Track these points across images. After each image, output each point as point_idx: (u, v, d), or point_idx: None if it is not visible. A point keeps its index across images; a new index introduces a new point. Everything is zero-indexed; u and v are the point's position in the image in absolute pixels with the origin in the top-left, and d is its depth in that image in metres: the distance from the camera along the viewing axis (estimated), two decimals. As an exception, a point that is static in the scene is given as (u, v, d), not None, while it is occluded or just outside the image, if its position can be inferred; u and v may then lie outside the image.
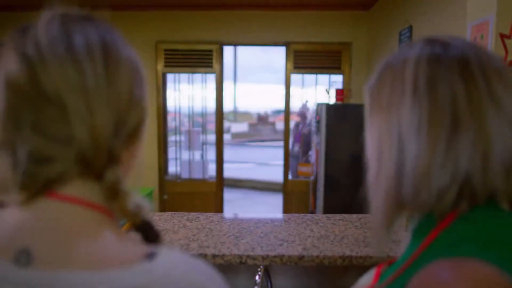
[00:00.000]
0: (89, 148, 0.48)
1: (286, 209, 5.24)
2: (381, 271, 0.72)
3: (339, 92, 4.21)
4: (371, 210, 0.65)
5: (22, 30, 0.51)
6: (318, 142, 3.89)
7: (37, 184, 0.48)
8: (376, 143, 0.63)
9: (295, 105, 5.38)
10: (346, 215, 2.00)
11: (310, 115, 6.16)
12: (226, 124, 5.43)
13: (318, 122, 3.93)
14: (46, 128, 0.47)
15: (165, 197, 5.10)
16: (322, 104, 3.81)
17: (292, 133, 6.32)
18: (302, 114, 6.29)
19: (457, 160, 0.55)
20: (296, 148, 6.41)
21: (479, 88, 0.56)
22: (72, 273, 0.44)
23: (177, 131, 5.37)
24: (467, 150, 0.55)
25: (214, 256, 1.48)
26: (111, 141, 0.50)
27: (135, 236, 0.52)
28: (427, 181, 0.56)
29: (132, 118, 0.53)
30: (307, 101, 6.05)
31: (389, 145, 0.60)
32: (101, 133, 0.49)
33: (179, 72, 5.10)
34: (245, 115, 24.02)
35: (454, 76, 0.56)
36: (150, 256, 0.47)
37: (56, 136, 0.47)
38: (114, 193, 0.50)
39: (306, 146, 6.25)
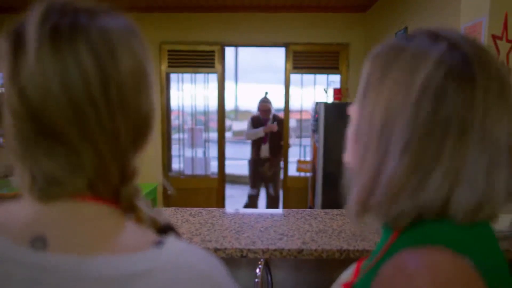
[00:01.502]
0: (99, 176, 0.48)
1: (285, 205, 5.25)
2: (361, 266, 0.73)
3: (337, 92, 4.21)
4: (349, 193, 0.62)
5: (14, 47, 0.46)
6: (317, 140, 3.89)
7: (52, 199, 0.48)
8: (364, 133, 0.59)
9: (294, 104, 5.27)
10: (343, 210, 2.00)
11: (273, 109, 5.14)
12: (227, 122, 5.33)
13: (316, 120, 3.92)
14: (56, 156, 0.47)
15: (169, 192, 5.10)
16: (320, 103, 3.80)
17: (248, 131, 5.26)
18: (265, 108, 5.07)
19: (425, 191, 0.53)
20: (264, 149, 5.11)
21: (474, 123, 0.51)
22: (83, 256, 0.45)
23: (180, 129, 5.37)
24: (437, 185, 0.52)
25: (216, 249, 1.48)
26: (123, 162, 0.50)
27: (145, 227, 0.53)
28: (392, 202, 0.55)
29: (143, 134, 0.52)
30: (267, 93, 5.12)
31: (375, 148, 0.57)
32: (110, 161, 0.48)
33: (182, 72, 5.10)
34: (246, 113, 23.95)
35: (458, 101, 0.51)
36: (158, 244, 0.48)
37: (65, 165, 0.47)
38: (130, 207, 0.51)
39: (277, 146, 5.13)
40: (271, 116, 5.06)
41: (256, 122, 5.14)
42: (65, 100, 0.45)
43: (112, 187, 0.50)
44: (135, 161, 0.52)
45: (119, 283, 0.44)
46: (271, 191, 5.19)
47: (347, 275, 0.74)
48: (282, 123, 5.11)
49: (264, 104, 5.08)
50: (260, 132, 5.00)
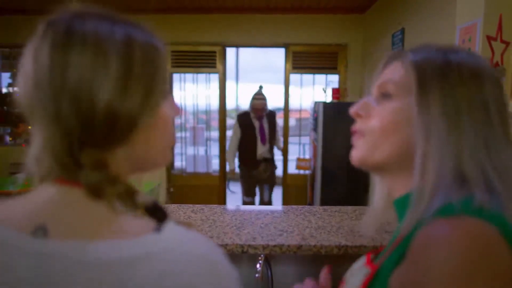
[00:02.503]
0: (53, 160, 0.50)
1: (285, 202, 5.25)
2: (371, 257, 0.72)
3: (335, 91, 4.21)
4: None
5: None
6: (316, 138, 3.89)
7: (40, 181, 0.52)
8: (433, 125, 0.59)
9: (294, 103, 5.24)
10: (342, 207, 2.01)
11: (267, 105, 4.44)
12: (228, 121, 5.26)
13: (315, 119, 3.92)
14: (33, 138, 0.52)
15: (172, 190, 5.11)
16: (319, 102, 3.81)
17: (234, 131, 4.51)
18: (261, 107, 4.34)
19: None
20: (264, 150, 4.41)
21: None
22: (84, 242, 0.46)
23: (182, 127, 5.37)
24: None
25: (218, 245, 1.48)
26: (72, 151, 0.49)
27: (143, 214, 0.52)
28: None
29: (103, 129, 0.50)
30: (261, 87, 4.43)
31: (441, 145, 0.58)
32: (52, 149, 0.49)
33: (184, 72, 5.10)
34: (247, 112, 23.88)
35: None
36: (157, 229, 0.49)
37: (36, 147, 0.51)
38: (96, 194, 0.50)
39: (273, 145, 4.57)
40: (265, 113, 4.46)
41: (243, 120, 4.47)
42: (23, 89, 0.50)
43: (70, 172, 0.50)
44: (103, 154, 0.51)
45: (120, 266, 0.45)
46: (266, 195, 4.59)
47: (358, 279, 0.70)
48: (274, 117, 4.59)
49: (260, 102, 4.35)
50: (231, 164, 4.55)
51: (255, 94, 4.42)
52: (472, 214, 0.52)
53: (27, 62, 0.50)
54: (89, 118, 0.48)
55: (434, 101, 0.59)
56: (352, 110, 0.70)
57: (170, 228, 0.50)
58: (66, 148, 0.49)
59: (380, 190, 0.76)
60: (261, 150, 4.42)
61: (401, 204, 0.65)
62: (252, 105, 4.40)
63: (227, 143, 4.87)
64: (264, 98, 4.40)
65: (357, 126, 0.70)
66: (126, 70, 0.50)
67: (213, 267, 0.49)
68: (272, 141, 4.54)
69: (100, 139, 0.50)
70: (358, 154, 0.69)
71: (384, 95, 0.66)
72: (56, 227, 0.47)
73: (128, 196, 0.51)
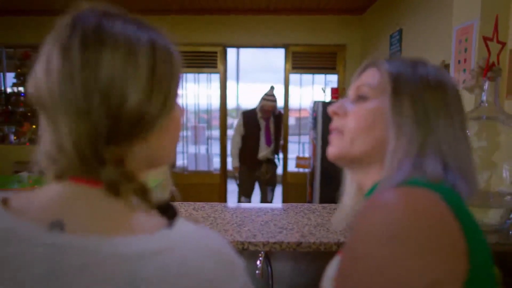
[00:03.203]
0: (75, 155, 0.49)
1: (285, 200, 5.25)
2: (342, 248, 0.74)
3: (334, 91, 4.21)
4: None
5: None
6: (315, 137, 3.89)
7: (52, 175, 0.52)
8: (403, 122, 0.63)
9: (293, 103, 5.23)
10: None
11: (277, 107, 4.28)
12: (229, 120, 5.25)
13: (315, 118, 3.92)
14: (52, 135, 0.51)
15: (173, 188, 5.11)
16: (318, 102, 3.80)
17: (237, 131, 4.30)
18: (270, 108, 4.15)
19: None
20: (268, 151, 4.25)
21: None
22: (100, 237, 0.47)
23: (184, 127, 5.37)
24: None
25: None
26: (97, 147, 0.49)
27: (155, 212, 0.53)
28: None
29: (126, 128, 0.50)
30: (273, 88, 4.18)
31: (416, 130, 0.62)
32: (77, 144, 0.49)
33: (185, 72, 5.10)
34: (247, 112, 23.86)
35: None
36: (169, 225, 0.51)
37: (56, 143, 0.50)
38: (114, 191, 0.50)
39: (278, 146, 4.46)
40: (273, 114, 4.31)
41: (249, 119, 4.25)
42: (47, 83, 0.49)
43: (91, 168, 0.50)
44: (123, 152, 0.52)
45: (134, 260, 0.46)
46: (270, 197, 4.46)
47: (334, 269, 0.74)
48: (281, 118, 4.53)
49: (271, 103, 4.13)
50: (235, 162, 4.35)
51: (266, 95, 4.17)
52: (417, 185, 0.54)
53: (51, 57, 0.49)
54: (118, 116, 0.49)
55: (406, 104, 0.64)
56: (330, 109, 0.74)
57: (181, 224, 0.51)
58: (92, 144, 0.49)
59: (350, 186, 0.82)
60: (265, 151, 4.26)
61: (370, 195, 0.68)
62: (262, 105, 4.16)
63: (228, 142, 4.86)
64: (275, 100, 4.17)
65: (334, 124, 0.74)
66: (152, 72, 0.52)
67: (225, 259, 0.51)
68: (277, 143, 4.42)
69: (124, 137, 0.51)
70: (334, 149, 0.73)
71: (361, 97, 0.71)
72: (72, 222, 0.48)
73: (143, 193, 0.52)
